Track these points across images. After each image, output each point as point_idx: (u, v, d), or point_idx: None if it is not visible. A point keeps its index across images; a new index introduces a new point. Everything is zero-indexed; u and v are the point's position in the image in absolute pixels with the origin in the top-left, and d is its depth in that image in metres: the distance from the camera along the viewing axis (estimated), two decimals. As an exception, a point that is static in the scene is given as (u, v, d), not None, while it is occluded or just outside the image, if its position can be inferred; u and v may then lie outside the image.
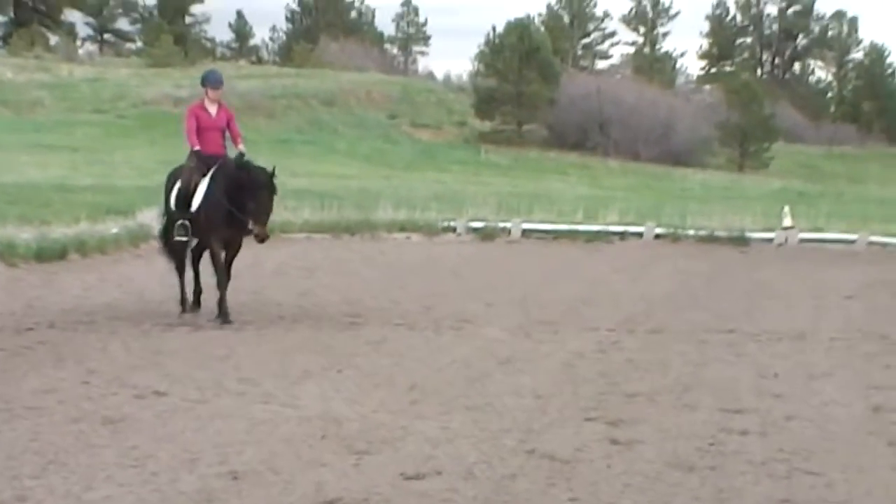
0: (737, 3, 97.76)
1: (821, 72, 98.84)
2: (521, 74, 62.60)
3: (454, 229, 23.45)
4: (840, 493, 6.06)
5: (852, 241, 23.03)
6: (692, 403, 8.18)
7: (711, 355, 10.39)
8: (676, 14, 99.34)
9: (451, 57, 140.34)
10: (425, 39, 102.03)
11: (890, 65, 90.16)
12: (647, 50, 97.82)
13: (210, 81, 12.01)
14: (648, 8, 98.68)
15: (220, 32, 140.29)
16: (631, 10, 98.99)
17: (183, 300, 12.29)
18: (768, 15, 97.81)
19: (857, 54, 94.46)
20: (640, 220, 24.73)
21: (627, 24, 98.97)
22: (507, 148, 60.20)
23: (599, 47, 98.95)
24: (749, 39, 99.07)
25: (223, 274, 11.72)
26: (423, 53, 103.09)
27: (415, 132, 62.38)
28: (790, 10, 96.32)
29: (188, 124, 11.81)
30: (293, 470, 6.18)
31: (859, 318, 13.25)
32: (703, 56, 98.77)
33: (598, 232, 23.37)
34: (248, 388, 8.33)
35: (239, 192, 11.26)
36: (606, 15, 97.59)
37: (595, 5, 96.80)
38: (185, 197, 11.77)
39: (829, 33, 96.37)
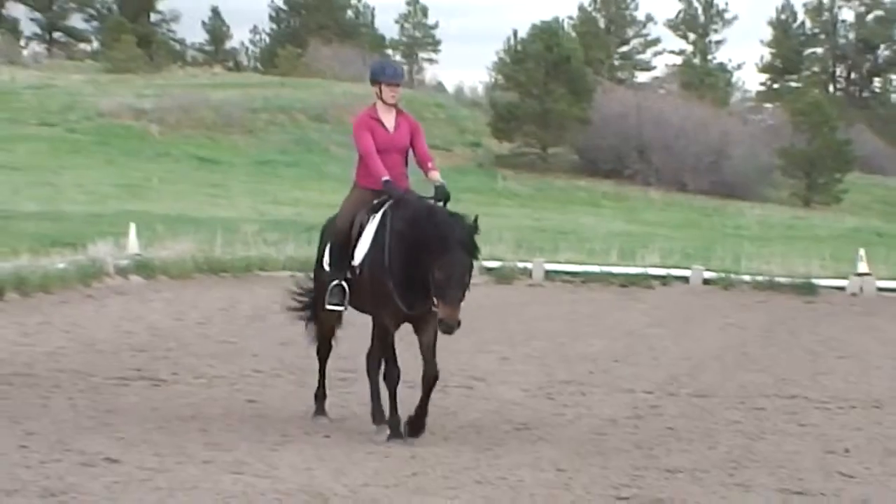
0: (805, 6, 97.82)
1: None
2: (548, 88, 62.74)
3: (465, 270, 23.45)
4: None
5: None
6: (745, 483, 8.16)
7: (769, 425, 10.37)
8: (733, 19, 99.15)
9: (465, 66, 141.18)
10: (434, 45, 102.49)
11: None
12: (697, 61, 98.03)
13: (387, 75, 9.94)
14: (699, 11, 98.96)
15: (192, 33, 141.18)
16: (679, 13, 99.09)
17: (321, 395, 10.27)
18: (843, 21, 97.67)
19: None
20: (686, 263, 24.75)
21: (674, 29, 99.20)
22: (529, 174, 60.33)
23: (640, 57, 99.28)
24: (820, 50, 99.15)
25: (394, 363, 9.42)
26: (431, 61, 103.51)
27: (420, 154, 62.56)
28: (870, 16, 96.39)
29: (364, 143, 9.67)
30: (268, 553, 6.20)
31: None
32: (764, 69, 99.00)
33: (635, 275, 23.40)
34: (217, 455, 8.33)
35: (418, 251, 9.18)
36: (649, 19, 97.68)
37: (636, 7, 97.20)
38: (344, 244, 9.70)
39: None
